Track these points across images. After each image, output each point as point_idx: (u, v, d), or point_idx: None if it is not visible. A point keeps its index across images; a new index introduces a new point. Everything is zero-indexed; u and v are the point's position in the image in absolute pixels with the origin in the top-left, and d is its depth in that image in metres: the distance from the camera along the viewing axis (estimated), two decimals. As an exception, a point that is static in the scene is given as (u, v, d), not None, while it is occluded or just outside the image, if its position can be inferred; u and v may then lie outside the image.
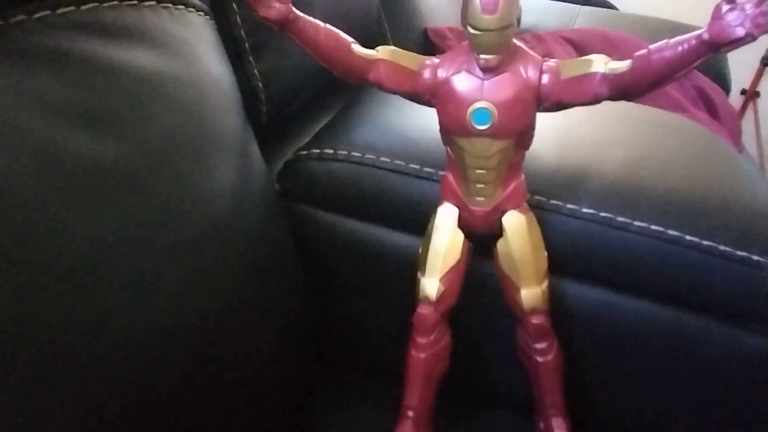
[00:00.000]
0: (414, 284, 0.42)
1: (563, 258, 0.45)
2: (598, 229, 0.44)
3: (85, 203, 0.28)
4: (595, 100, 0.36)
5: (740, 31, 0.29)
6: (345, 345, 0.54)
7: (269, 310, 0.42)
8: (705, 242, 0.43)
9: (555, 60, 0.37)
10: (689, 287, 0.44)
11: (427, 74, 0.38)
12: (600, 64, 0.35)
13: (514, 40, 0.36)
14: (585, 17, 1.21)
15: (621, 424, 0.50)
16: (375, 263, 0.49)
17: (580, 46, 0.99)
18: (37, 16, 0.28)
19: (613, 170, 0.48)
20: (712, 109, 0.91)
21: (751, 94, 1.68)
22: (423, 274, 0.41)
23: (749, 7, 0.28)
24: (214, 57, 0.40)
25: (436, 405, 0.43)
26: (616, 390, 0.49)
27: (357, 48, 0.38)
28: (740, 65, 1.21)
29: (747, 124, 1.64)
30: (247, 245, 0.39)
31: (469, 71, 0.37)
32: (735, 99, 1.62)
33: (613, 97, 0.35)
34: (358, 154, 0.48)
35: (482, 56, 0.36)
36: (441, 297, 0.41)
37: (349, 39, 0.38)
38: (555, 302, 0.43)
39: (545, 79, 0.37)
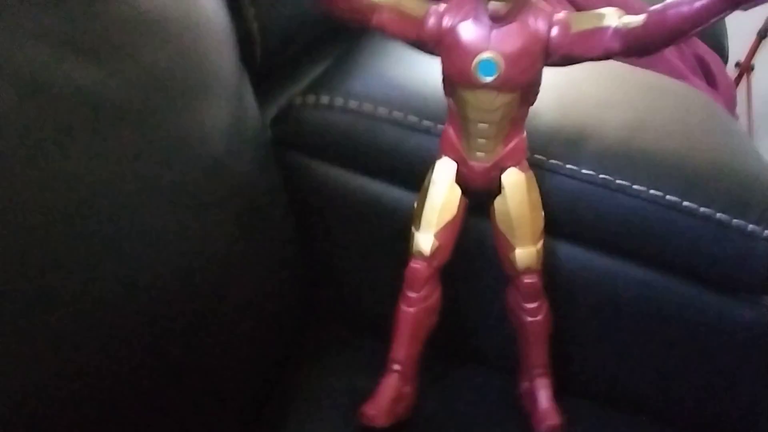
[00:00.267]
0: (408, 239, 0.41)
1: (559, 218, 0.44)
2: (596, 191, 0.44)
3: (73, 135, 0.26)
4: (606, 56, 0.35)
5: None
6: (335, 298, 0.53)
7: (260, 254, 0.41)
8: (702, 209, 0.43)
9: (565, 12, 0.36)
10: (683, 253, 0.44)
11: (431, 21, 0.37)
12: (613, 17, 0.34)
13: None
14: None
15: (605, 389, 0.51)
16: (369, 216, 0.48)
17: (584, 8, 0.97)
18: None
19: (613, 132, 0.47)
20: (710, 79, 0.91)
21: (745, 67, 1.67)
22: (417, 229, 0.41)
23: None
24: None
25: (423, 361, 0.43)
26: (603, 355, 0.49)
27: None
28: (736, 38, 1.20)
29: (739, 96, 1.63)
30: (240, 188, 0.38)
31: (476, 19, 0.36)
32: (729, 71, 1.61)
33: (625, 52, 0.34)
34: (356, 103, 0.46)
35: (492, 3, 0.34)
36: (435, 252, 0.40)
37: None
38: (547, 263, 0.43)
39: (555, 31, 0.36)
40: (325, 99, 0.47)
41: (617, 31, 0.34)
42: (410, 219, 0.42)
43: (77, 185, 0.26)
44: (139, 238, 0.29)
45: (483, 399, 0.48)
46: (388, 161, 0.47)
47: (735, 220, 0.43)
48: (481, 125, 0.38)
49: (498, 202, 0.41)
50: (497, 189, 0.40)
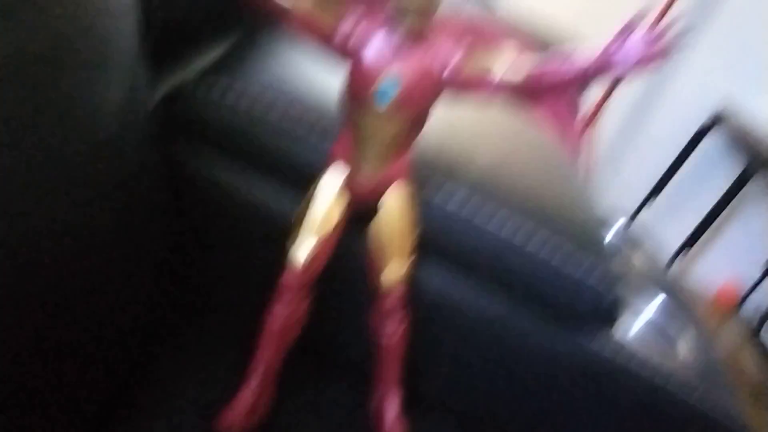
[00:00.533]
0: (285, 246, 0.41)
1: (429, 241, 0.46)
2: (464, 217, 0.47)
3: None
4: (489, 101, 0.38)
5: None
6: (204, 298, 0.51)
7: (138, 242, 0.39)
8: (544, 251, 0.48)
9: (462, 50, 0.38)
10: (526, 285, 0.48)
11: (338, 38, 0.37)
12: (501, 67, 0.37)
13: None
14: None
15: (453, 402, 0.54)
16: (248, 215, 0.47)
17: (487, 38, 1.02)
18: None
19: (485, 164, 0.50)
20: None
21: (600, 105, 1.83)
22: (296, 238, 0.41)
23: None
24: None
25: (283, 368, 0.43)
26: (451, 371, 0.52)
27: None
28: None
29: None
30: (127, 170, 0.36)
31: (383, 42, 0.37)
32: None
33: (507, 99, 0.38)
34: (255, 91, 0.45)
35: (405, 21, 0.36)
36: (309, 264, 0.40)
37: None
38: (413, 283, 0.44)
39: (450, 66, 0.38)
40: (220, 85, 0.45)
41: (500, 84, 0.37)
42: (290, 225, 0.41)
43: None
44: (24, 205, 0.27)
45: (334, 413, 0.49)
46: (278, 158, 0.46)
47: (566, 269, 0.48)
48: (372, 142, 0.39)
49: (375, 220, 0.42)
50: (377, 205, 0.42)
